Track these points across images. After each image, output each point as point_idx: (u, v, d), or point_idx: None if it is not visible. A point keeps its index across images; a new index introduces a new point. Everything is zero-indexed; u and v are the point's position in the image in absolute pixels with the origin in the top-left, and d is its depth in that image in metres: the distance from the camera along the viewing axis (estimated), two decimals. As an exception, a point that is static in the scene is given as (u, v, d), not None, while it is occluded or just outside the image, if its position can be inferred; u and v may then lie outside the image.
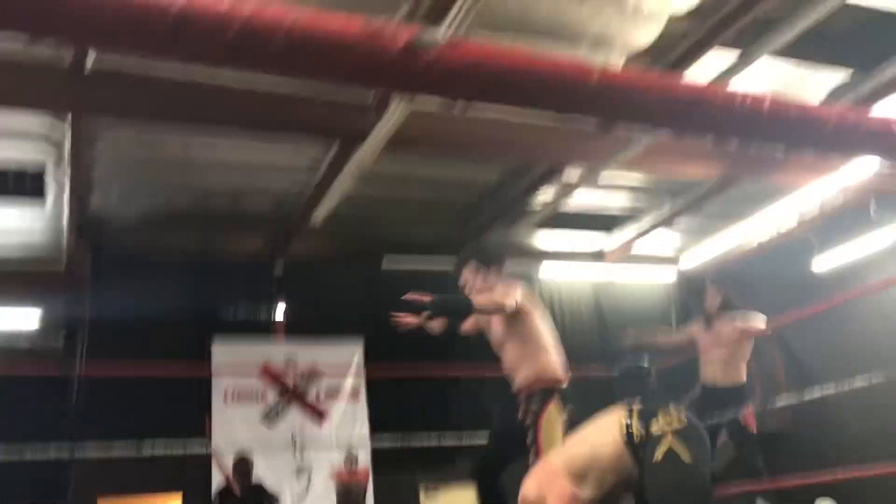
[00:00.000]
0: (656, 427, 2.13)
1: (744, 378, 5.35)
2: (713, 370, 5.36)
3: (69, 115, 5.81)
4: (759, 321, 5.33)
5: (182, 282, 8.62)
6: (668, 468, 2.08)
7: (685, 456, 2.07)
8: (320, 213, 7.46)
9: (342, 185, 6.89)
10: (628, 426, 2.19)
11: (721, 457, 6.00)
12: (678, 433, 2.09)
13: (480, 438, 5.28)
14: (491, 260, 4.21)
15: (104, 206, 7.73)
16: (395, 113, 5.62)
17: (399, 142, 6.16)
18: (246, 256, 9.04)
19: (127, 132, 6.45)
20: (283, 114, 5.99)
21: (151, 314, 8.16)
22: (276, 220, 8.30)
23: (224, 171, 7.29)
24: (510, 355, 3.92)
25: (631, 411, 2.24)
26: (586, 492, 2.28)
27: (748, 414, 5.20)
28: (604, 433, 2.28)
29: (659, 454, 2.09)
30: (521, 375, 3.83)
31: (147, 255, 8.57)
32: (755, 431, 5.35)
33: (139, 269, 8.45)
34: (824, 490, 6.72)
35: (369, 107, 6.00)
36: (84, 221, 7.85)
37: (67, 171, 6.49)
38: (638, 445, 2.14)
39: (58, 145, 6.36)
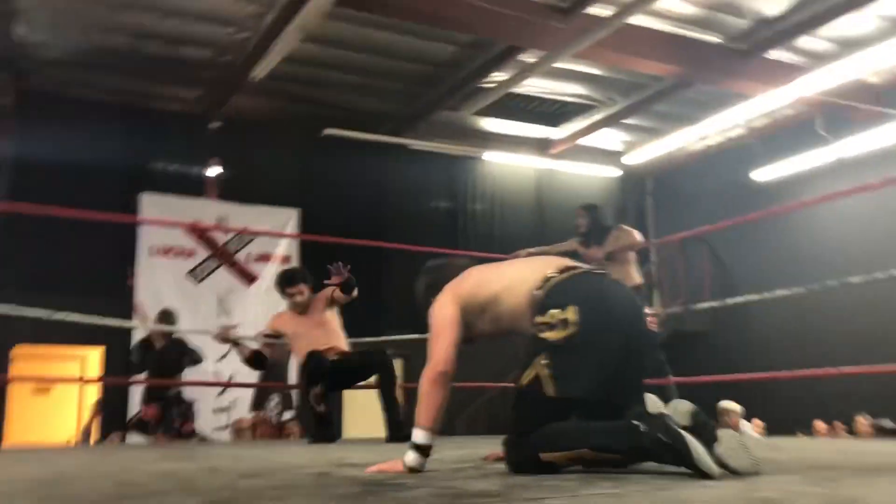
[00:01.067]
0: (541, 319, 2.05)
1: (636, 282, 5.49)
2: None
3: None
4: (630, 236, 5.49)
5: (113, 128, 8.25)
6: (524, 394, 2.04)
7: (548, 388, 1.98)
8: (262, 68, 7.11)
9: (287, 41, 6.55)
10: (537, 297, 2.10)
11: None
12: (555, 350, 2.00)
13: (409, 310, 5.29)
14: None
15: (29, 38, 7.21)
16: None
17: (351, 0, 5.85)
18: (182, 108, 8.65)
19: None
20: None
21: (79, 158, 7.82)
22: (216, 71, 7.91)
23: (163, 13, 6.84)
24: None
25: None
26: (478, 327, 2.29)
27: (647, 315, 5.33)
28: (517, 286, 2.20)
29: (526, 376, 2.03)
30: None
31: (77, 96, 8.14)
32: (656, 331, 5.54)
33: (68, 109, 8.03)
34: (730, 391, 7.01)
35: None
36: (7, 52, 7.35)
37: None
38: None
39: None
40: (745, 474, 1.73)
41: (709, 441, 1.78)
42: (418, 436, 2.12)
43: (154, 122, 8.50)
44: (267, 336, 4.97)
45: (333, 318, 4.93)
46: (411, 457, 2.09)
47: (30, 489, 1.80)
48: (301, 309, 4.83)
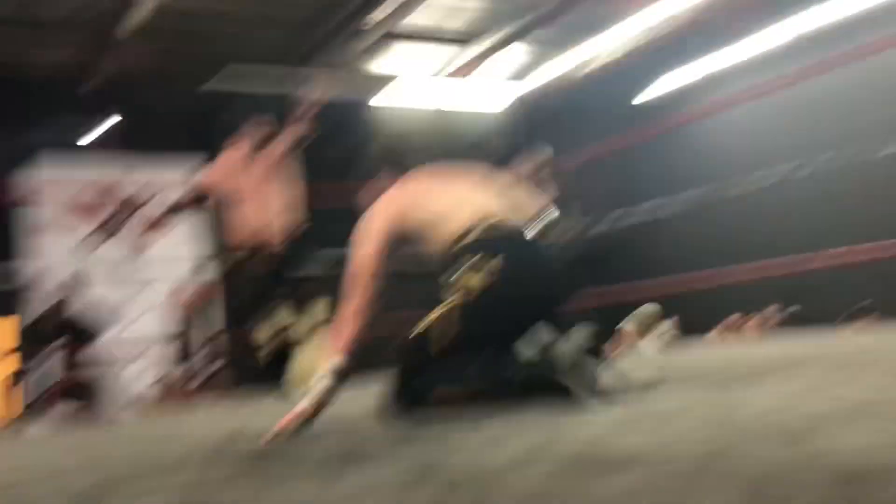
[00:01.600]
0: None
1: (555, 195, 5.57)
2: None
3: None
4: (544, 155, 5.59)
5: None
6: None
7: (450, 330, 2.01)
8: (129, 23, 6.74)
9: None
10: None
11: None
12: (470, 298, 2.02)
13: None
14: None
15: None
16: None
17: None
18: (51, 72, 8.16)
19: None
20: None
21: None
22: (81, 31, 7.45)
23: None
24: None
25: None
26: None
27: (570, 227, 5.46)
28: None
29: (431, 316, 2.04)
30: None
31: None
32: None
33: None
34: (646, 299, 7.24)
35: None
36: None
37: None
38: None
39: None
40: (586, 399, 1.79)
41: (591, 380, 1.85)
42: (331, 361, 2.06)
43: (27, 89, 8.07)
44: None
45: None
46: (320, 383, 1.99)
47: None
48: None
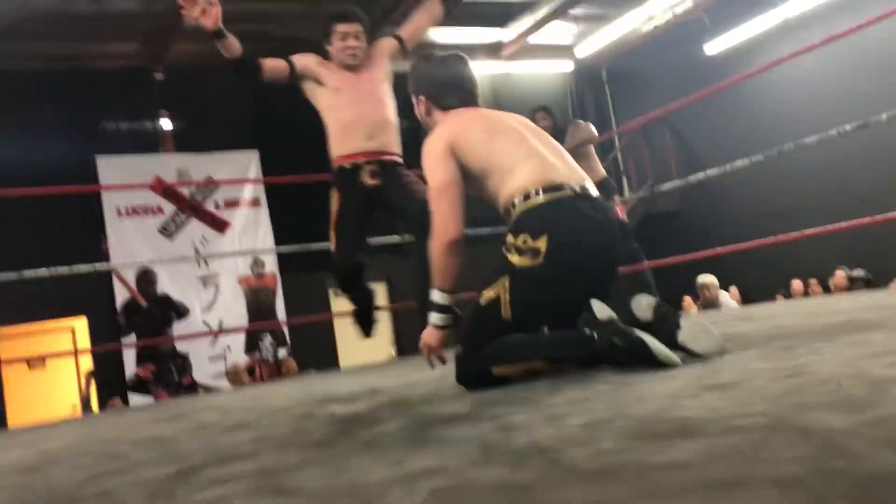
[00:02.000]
0: (511, 241, 2.05)
1: (600, 175, 5.54)
2: None
3: None
4: (586, 130, 5.52)
5: (54, 95, 8.06)
6: (482, 312, 2.05)
7: (505, 312, 2.01)
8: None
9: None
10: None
11: None
12: (520, 275, 2.01)
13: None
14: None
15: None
16: None
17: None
18: (121, 64, 8.43)
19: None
20: None
21: (26, 131, 7.67)
22: (149, 21, 7.67)
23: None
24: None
25: None
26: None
27: (615, 204, 5.45)
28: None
29: (487, 295, 2.04)
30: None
31: (10, 69, 7.90)
32: (626, 220, 5.66)
33: (3, 85, 7.82)
34: (707, 265, 7.17)
35: None
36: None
37: None
38: None
39: None
40: (710, 356, 1.82)
41: (671, 331, 1.86)
42: (436, 296, 2.08)
43: (96, 82, 8.30)
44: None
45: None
46: (435, 316, 2.08)
47: (8, 479, 1.85)
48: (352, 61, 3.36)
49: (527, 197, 2.05)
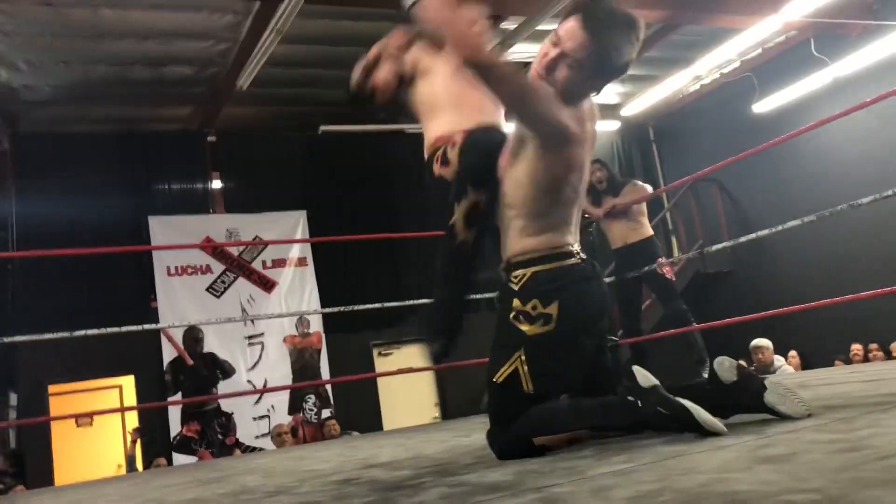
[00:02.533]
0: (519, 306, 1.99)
1: (648, 234, 5.50)
2: (617, 234, 5.59)
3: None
4: (643, 190, 5.48)
5: (110, 157, 8.32)
6: (503, 389, 1.97)
7: (526, 385, 1.95)
8: (246, 76, 7.12)
9: (267, 45, 6.53)
10: None
11: (651, 317, 6.26)
12: (534, 345, 1.95)
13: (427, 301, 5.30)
14: None
15: (13, 82, 7.25)
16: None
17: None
18: (175, 127, 8.70)
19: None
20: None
21: (82, 191, 7.90)
22: (202, 86, 7.93)
23: (140, 37, 6.86)
24: None
25: None
26: None
27: (663, 265, 5.37)
28: None
29: (504, 372, 1.96)
30: None
31: (70, 132, 8.20)
32: (673, 279, 5.57)
33: (63, 146, 8.10)
34: (761, 328, 6.98)
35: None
36: (-5, 98, 7.42)
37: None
38: None
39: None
40: (797, 418, 1.77)
41: (758, 391, 1.80)
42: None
43: (151, 145, 8.55)
44: None
45: None
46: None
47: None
48: None
49: (537, 261, 1.99)
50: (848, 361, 7.35)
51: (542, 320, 1.94)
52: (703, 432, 1.68)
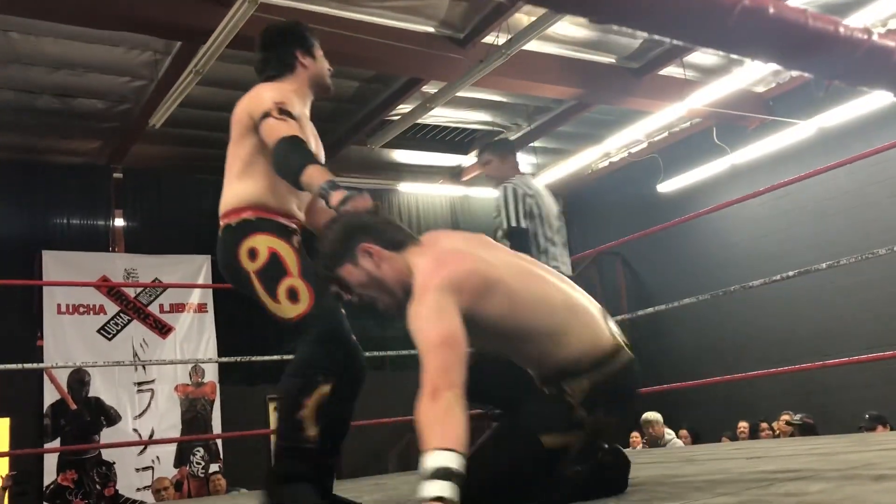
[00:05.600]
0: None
1: None
2: None
3: None
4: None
5: (8, 186, 7.97)
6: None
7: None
8: (160, 116, 6.98)
9: (184, 85, 6.44)
10: None
11: None
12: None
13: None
14: None
15: None
16: (241, 9, 5.25)
17: (245, 41, 5.79)
18: (80, 160, 8.42)
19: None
20: (118, 7, 5.48)
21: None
22: (113, 121, 7.73)
23: (51, 66, 6.66)
24: None
25: None
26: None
27: None
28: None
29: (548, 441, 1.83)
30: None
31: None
32: None
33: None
34: (654, 401, 7.15)
35: (212, 2, 5.59)
36: None
37: None
38: None
39: None
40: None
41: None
42: (447, 458, 1.44)
43: (52, 177, 8.23)
44: None
45: None
46: (443, 486, 1.40)
47: None
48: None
49: (579, 374, 1.83)
50: (734, 438, 7.58)
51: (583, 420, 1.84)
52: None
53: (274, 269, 2.16)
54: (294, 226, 2.29)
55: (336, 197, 1.96)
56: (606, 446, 1.95)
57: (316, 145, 2.35)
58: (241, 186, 2.28)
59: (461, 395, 1.54)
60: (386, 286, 1.83)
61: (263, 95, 2.26)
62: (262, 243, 2.18)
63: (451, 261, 1.76)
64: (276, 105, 2.19)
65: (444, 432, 1.47)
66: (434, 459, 1.43)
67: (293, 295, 2.13)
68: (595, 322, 1.88)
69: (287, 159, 2.09)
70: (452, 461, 1.42)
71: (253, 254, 2.17)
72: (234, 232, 2.22)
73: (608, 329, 1.90)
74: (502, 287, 1.75)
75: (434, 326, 1.62)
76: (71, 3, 5.39)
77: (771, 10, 0.68)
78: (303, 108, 2.38)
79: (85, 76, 6.85)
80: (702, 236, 8.97)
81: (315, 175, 2.02)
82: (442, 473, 1.41)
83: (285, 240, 2.21)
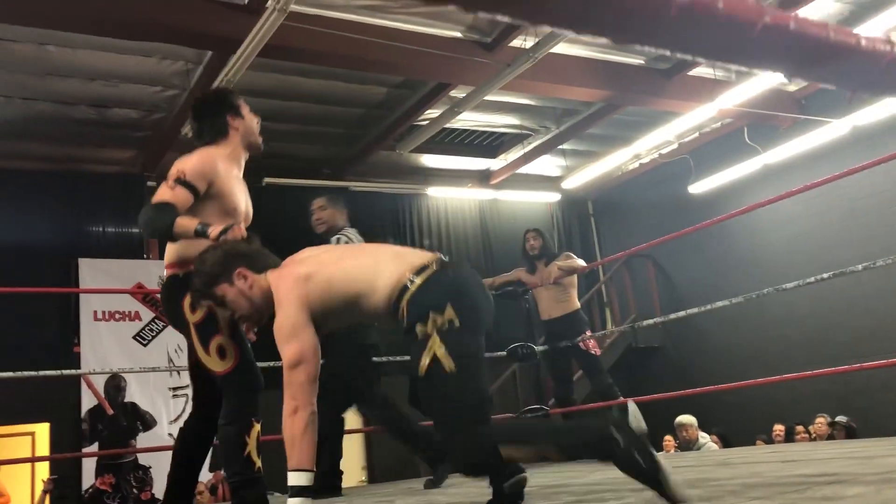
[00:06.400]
0: (422, 328, 2.01)
1: (575, 307, 5.59)
2: (545, 305, 5.66)
3: None
4: (576, 262, 5.59)
5: (45, 195, 8.12)
6: (431, 380, 1.98)
7: (447, 364, 1.95)
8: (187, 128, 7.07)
9: (216, 96, 6.52)
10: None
11: (580, 391, 6.35)
12: (445, 334, 1.97)
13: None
14: None
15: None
16: (270, 19, 5.31)
17: (275, 50, 5.87)
18: (115, 169, 8.56)
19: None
20: (149, 18, 5.57)
21: (14, 229, 7.68)
22: (147, 131, 7.85)
23: (87, 77, 6.79)
24: None
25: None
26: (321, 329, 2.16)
27: (587, 339, 5.45)
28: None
29: (424, 363, 1.98)
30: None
31: (5, 167, 8.00)
32: (597, 353, 5.64)
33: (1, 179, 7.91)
34: (687, 404, 7.09)
35: (243, 10, 5.67)
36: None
37: None
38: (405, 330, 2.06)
39: None
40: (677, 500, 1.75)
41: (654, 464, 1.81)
42: (300, 478, 2.04)
43: (88, 186, 8.37)
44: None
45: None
46: (297, 502, 2.03)
47: None
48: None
49: (404, 289, 2.08)
50: (769, 441, 7.49)
51: (447, 325, 2.00)
52: (665, 496, 1.69)
53: (209, 326, 2.50)
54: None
55: (215, 230, 2.40)
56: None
57: (245, 202, 2.79)
58: (181, 241, 2.61)
59: (313, 412, 2.08)
60: (255, 303, 2.24)
61: (177, 163, 2.63)
62: None
63: (286, 274, 2.19)
64: (178, 173, 2.57)
65: (300, 452, 2.04)
66: (293, 478, 2.03)
67: (222, 352, 2.50)
68: (400, 258, 2.17)
69: (154, 219, 2.53)
70: (305, 479, 2.02)
71: (193, 307, 2.51)
72: (178, 284, 2.57)
73: (415, 258, 2.16)
74: (318, 276, 2.14)
75: (289, 346, 2.09)
76: (105, 15, 5.48)
77: (792, 26, 0.68)
78: (235, 170, 2.77)
79: (119, 86, 6.97)
80: (734, 237, 8.88)
81: (185, 222, 2.45)
82: (297, 491, 2.02)
83: None
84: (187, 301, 2.51)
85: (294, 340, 2.08)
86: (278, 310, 2.14)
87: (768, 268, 8.17)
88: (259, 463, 2.47)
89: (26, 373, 4.60)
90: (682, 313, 5.22)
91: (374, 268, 2.15)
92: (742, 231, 8.75)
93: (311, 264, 2.22)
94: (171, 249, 2.68)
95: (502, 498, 2.00)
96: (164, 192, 2.56)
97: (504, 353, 5.50)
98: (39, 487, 7.73)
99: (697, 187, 9.26)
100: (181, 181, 2.56)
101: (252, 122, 2.86)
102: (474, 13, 0.67)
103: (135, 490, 7.32)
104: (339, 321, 2.24)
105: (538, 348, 5.46)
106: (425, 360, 1.97)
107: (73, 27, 5.68)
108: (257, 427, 2.48)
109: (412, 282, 2.07)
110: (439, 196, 10.17)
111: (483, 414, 1.97)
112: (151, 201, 2.59)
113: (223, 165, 2.68)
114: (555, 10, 0.72)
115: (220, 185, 2.63)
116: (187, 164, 2.61)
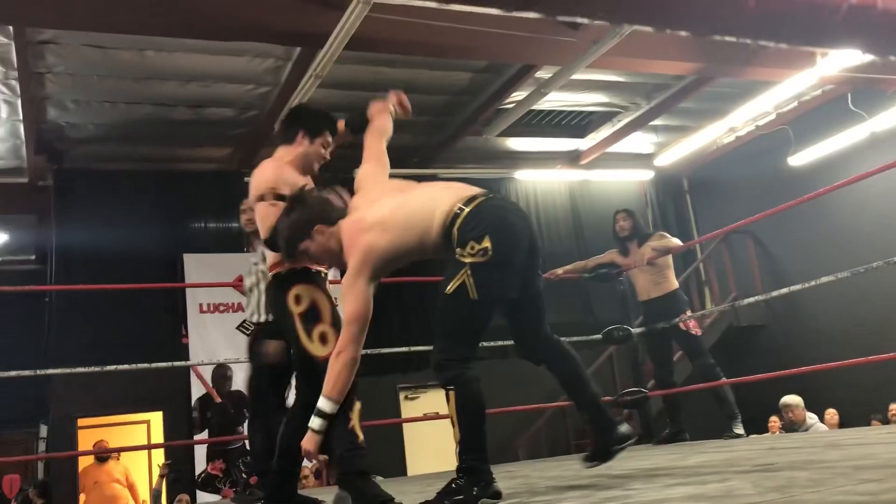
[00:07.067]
0: (461, 253, 2.30)
1: (673, 287, 5.45)
2: (642, 286, 5.56)
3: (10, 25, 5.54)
4: (670, 241, 5.43)
5: (149, 195, 8.48)
6: (452, 300, 2.30)
7: (472, 293, 2.26)
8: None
9: (305, 90, 6.67)
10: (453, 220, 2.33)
11: (684, 369, 6.21)
12: (478, 266, 2.26)
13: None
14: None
15: (61, 120, 7.48)
16: (355, 11, 5.37)
17: (361, 42, 5.94)
18: (213, 167, 8.87)
19: (76, 39, 6.19)
20: (239, 18, 5.73)
21: (120, 227, 8.06)
22: (242, 128, 8.10)
23: (183, 79, 7.05)
24: None
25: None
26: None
27: (687, 320, 5.32)
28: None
29: (454, 285, 2.29)
30: None
31: (111, 169, 8.41)
32: (698, 333, 5.50)
33: (104, 183, 8.30)
34: (793, 383, 6.84)
35: (328, 5, 5.76)
36: (42, 134, 7.63)
37: (17, 82, 6.27)
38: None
39: (2, 56, 6.11)
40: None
41: None
42: (326, 405, 2.37)
43: (189, 184, 8.71)
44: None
45: None
46: (318, 422, 2.37)
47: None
48: None
49: (455, 217, 2.33)
50: (885, 421, 7.16)
51: (481, 254, 2.29)
52: None
53: (312, 315, 2.72)
54: (320, 269, 2.83)
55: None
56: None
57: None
58: None
59: (356, 359, 2.38)
60: (335, 252, 2.51)
61: (261, 176, 2.90)
62: (305, 292, 2.74)
63: (354, 225, 2.46)
64: (270, 190, 2.82)
65: (333, 385, 2.36)
66: (321, 402, 2.37)
67: (324, 338, 2.69)
68: (452, 189, 2.44)
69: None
70: (329, 407, 2.37)
71: (298, 299, 2.72)
72: (283, 280, 2.79)
73: (466, 190, 2.43)
74: (384, 223, 2.40)
75: (350, 305, 2.36)
76: (198, 18, 5.67)
77: (879, 5, 0.64)
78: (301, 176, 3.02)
79: (214, 86, 7.22)
80: (839, 210, 8.48)
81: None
82: (320, 413, 2.37)
83: (320, 287, 2.77)
84: (292, 295, 2.73)
85: (352, 300, 2.36)
86: (348, 259, 2.42)
87: (877, 241, 7.77)
88: (362, 437, 2.67)
89: (141, 365, 4.85)
90: (785, 290, 5.03)
91: (432, 203, 2.40)
92: (847, 203, 8.34)
93: (375, 211, 2.47)
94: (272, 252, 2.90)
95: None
96: (272, 212, 2.79)
97: (600, 335, 5.45)
98: (156, 472, 8.14)
99: (798, 159, 8.89)
100: (279, 196, 2.84)
101: (319, 151, 3.23)
102: (552, 19, 0.66)
103: (244, 475, 7.59)
104: (406, 258, 2.46)
105: (635, 330, 5.38)
106: (455, 284, 2.28)
107: (169, 32, 5.90)
108: (358, 405, 2.69)
109: (462, 209, 2.34)
110: (528, 179, 10.10)
111: (475, 342, 2.35)
112: (267, 226, 2.78)
113: (293, 171, 3.04)
114: (633, 10, 0.71)
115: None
116: (271, 178, 2.92)
